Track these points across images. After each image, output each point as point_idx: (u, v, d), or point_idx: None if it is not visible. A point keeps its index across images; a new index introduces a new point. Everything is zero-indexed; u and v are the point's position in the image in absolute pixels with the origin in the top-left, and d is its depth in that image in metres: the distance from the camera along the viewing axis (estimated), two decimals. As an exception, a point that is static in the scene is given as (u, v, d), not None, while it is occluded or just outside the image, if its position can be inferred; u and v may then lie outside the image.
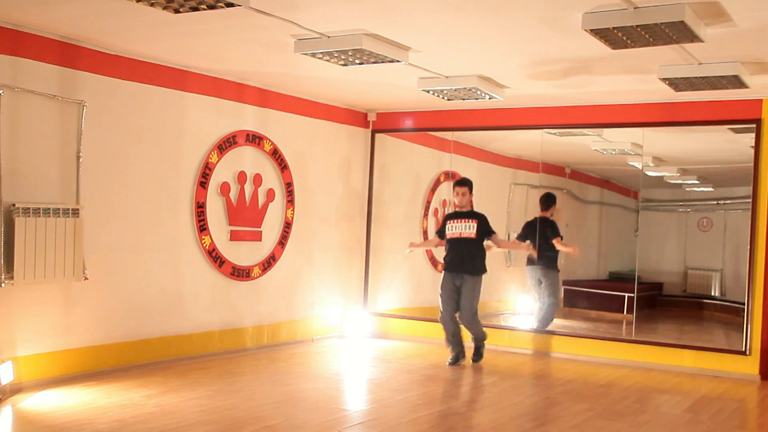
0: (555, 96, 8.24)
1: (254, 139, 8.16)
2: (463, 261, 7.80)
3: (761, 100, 7.66)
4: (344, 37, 5.86)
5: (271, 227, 8.44)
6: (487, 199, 10.67)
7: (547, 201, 9.22)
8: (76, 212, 6.34)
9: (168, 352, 7.34)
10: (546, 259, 9.04)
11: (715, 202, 10.32)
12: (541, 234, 9.03)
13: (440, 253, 10.20)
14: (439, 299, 7.95)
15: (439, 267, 10.21)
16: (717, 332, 9.63)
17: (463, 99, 7.86)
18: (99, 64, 6.61)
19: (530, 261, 9.23)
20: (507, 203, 10.56)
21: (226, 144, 7.82)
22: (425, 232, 10.15)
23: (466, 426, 5.63)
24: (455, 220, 7.86)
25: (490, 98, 7.72)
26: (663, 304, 10.66)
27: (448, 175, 10.18)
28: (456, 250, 7.87)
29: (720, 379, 7.62)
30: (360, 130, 9.74)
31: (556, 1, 4.88)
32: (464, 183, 7.99)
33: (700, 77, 6.49)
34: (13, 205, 5.95)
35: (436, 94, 7.65)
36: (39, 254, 6.07)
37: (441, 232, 8.10)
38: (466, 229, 7.72)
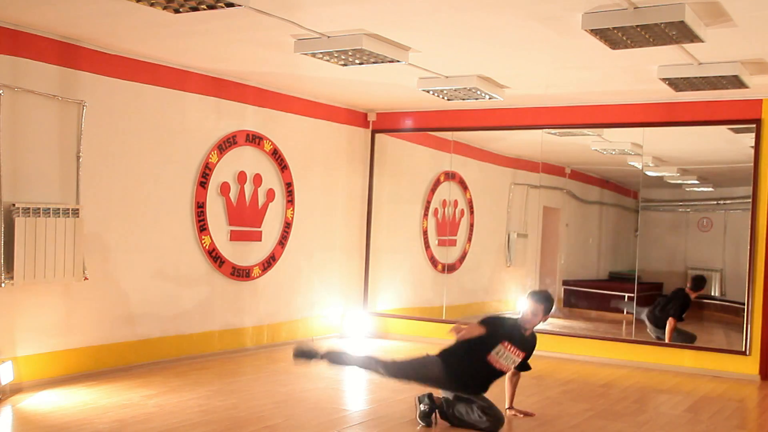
0: (555, 96, 8.24)
1: (254, 139, 8.16)
2: (484, 389, 5.60)
3: (761, 100, 7.66)
4: (344, 37, 5.86)
5: (271, 227, 8.44)
6: (488, 199, 10.69)
7: (699, 283, 9.15)
8: (76, 212, 6.34)
9: (168, 352, 7.34)
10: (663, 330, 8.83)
11: (715, 202, 10.31)
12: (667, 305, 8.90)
13: (441, 253, 10.22)
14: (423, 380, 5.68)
15: (439, 267, 10.22)
16: (717, 332, 9.61)
17: (463, 99, 7.85)
18: (99, 64, 6.61)
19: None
20: (507, 203, 10.56)
21: (226, 144, 7.82)
22: (425, 232, 10.15)
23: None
24: (510, 346, 5.48)
25: (490, 98, 7.72)
26: (663, 304, 10.64)
27: (448, 175, 10.18)
28: (483, 376, 5.57)
29: (720, 379, 7.62)
30: (360, 130, 9.74)
31: (556, 1, 4.88)
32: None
33: (700, 77, 6.50)
34: (13, 205, 5.95)
35: (436, 94, 7.65)
36: (39, 254, 6.07)
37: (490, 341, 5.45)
38: (512, 362, 5.58)
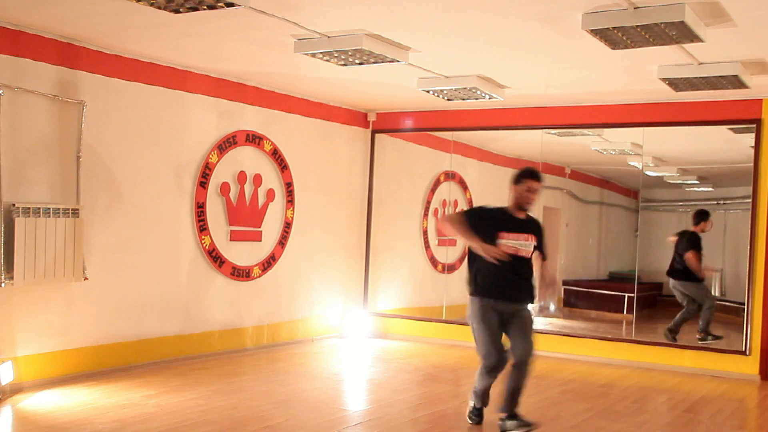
0: (555, 96, 8.24)
1: (254, 139, 8.16)
2: (520, 287, 5.40)
3: (761, 100, 7.65)
4: (344, 37, 5.86)
5: (271, 227, 8.44)
6: (488, 199, 10.67)
7: (697, 216, 8.90)
8: (76, 212, 6.34)
9: (168, 352, 7.34)
10: (678, 273, 8.76)
11: (715, 202, 10.32)
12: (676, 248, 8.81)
13: (441, 253, 10.22)
14: (482, 335, 5.30)
15: (439, 267, 10.22)
16: (717, 332, 9.62)
17: (463, 99, 7.85)
18: (99, 64, 6.61)
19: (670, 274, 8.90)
20: (507, 203, 10.54)
21: (226, 144, 7.82)
22: (425, 232, 10.15)
23: (466, 426, 5.63)
24: (512, 234, 5.35)
25: (490, 98, 7.72)
26: (663, 304, 10.65)
27: (448, 175, 10.18)
28: (508, 270, 5.27)
29: (720, 379, 7.62)
30: (360, 130, 9.74)
31: (556, 1, 4.89)
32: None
33: (700, 77, 6.49)
34: (13, 205, 5.95)
35: (436, 94, 7.65)
36: (39, 254, 6.07)
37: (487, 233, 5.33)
38: (525, 246, 5.36)
